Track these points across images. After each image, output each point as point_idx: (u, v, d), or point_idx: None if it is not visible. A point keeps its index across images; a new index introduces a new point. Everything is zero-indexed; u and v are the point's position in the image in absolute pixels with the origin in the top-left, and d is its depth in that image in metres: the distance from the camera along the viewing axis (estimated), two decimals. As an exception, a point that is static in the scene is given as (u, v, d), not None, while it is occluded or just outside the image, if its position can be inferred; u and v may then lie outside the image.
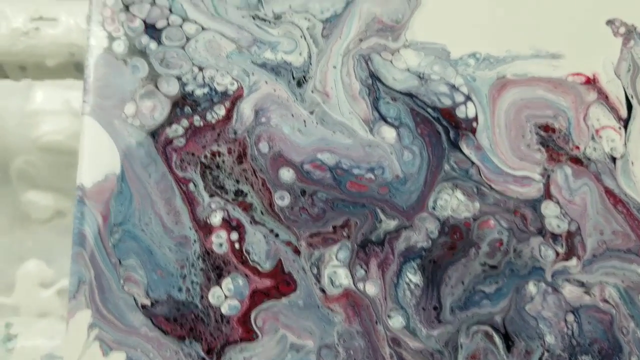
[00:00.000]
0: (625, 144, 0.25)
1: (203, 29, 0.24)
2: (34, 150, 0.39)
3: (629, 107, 0.25)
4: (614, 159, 0.25)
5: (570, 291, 0.23)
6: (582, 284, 0.23)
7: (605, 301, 0.23)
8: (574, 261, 0.23)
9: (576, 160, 0.24)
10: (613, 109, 0.25)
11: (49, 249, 0.40)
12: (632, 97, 0.25)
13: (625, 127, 0.25)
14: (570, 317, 0.23)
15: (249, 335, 0.22)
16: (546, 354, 0.23)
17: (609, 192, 0.24)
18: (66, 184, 0.40)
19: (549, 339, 0.23)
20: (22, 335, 0.30)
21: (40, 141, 0.38)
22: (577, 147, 0.25)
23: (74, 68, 0.31)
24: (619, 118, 0.25)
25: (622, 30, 0.26)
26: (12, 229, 0.40)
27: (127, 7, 0.24)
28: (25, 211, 0.40)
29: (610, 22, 0.26)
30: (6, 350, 0.29)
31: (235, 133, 0.24)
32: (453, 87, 0.25)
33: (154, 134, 0.23)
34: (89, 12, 0.24)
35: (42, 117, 0.38)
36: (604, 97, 0.25)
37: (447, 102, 0.25)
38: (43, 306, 0.35)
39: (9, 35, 0.29)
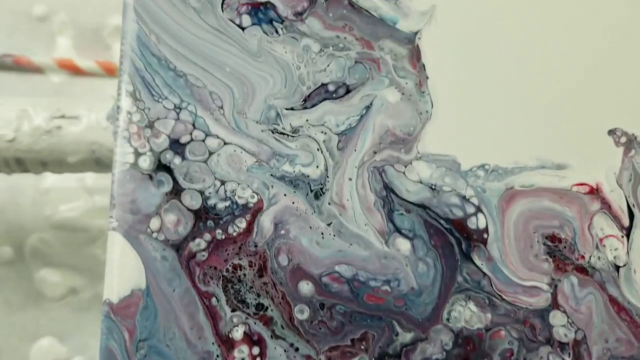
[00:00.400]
0: (628, 252, 0.26)
1: (225, 143, 0.25)
2: (47, 228, 0.40)
3: (631, 216, 0.27)
4: (617, 268, 0.26)
5: (578, 402, 0.24)
6: (590, 395, 0.24)
7: (612, 411, 0.24)
8: (581, 371, 0.25)
9: (581, 270, 0.26)
10: (616, 218, 0.26)
11: (62, 326, 0.40)
12: (633, 206, 0.27)
13: (628, 235, 0.26)
14: None
15: None
16: None
17: (613, 301, 0.25)
18: (79, 262, 0.41)
19: None
20: None
21: (54, 219, 0.39)
22: (582, 257, 0.26)
23: (95, 163, 0.32)
24: (621, 227, 0.26)
25: (624, 139, 0.27)
26: (26, 307, 0.41)
27: (152, 123, 0.25)
28: (39, 289, 0.41)
29: (611, 132, 0.27)
30: None
31: (255, 246, 0.24)
32: (464, 199, 0.26)
33: (178, 248, 0.24)
34: (114, 128, 0.25)
35: (55, 194, 0.39)
36: (607, 206, 0.26)
37: (458, 213, 0.26)
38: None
39: (31, 133, 0.30)
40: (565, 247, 0.26)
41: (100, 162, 0.31)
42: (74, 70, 0.44)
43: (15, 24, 0.46)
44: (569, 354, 0.25)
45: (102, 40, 0.46)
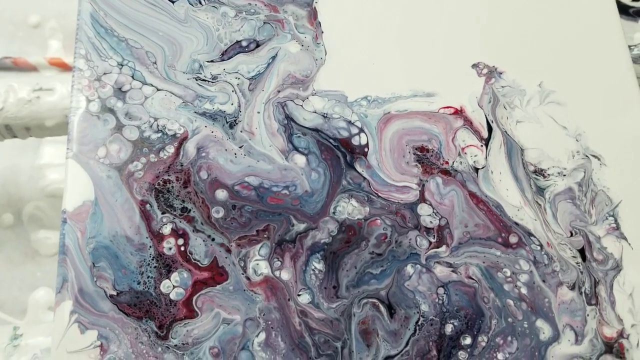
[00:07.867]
0: (487, 157, 0.32)
1: (157, 89, 0.32)
2: (42, 197, 0.47)
3: (490, 129, 0.32)
4: (476, 170, 0.32)
5: (440, 271, 0.30)
6: (450, 265, 0.30)
7: (470, 277, 0.30)
8: (443, 248, 0.30)
9: (446, 172, 0.32)
10: (476, 132, 0.32)
11: (55, 278, 0.47)
12: (492, 121, 0.33)
13: (487, 145, 0.32)
14: (441, 290, 0.30)
15: (191, 314, 0.29)
16: (421, 319, 0.29)
17: (472, 195, 0.31)
18: (69, 224, 0.47)
19: (424, 307, 0.29)
20: (26, 334, 0.37)
21: (48, 189, 0.46)
22: (447, 162, 0.32)
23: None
24: (481, 138, 0.32)
25: (485, 71, 0.33)
26: (24, 263, 0.48)
27: (100, 77, 0.32)
28: (35, 247, 0.48)
29: (475, 65, 0.34)
30: (13, 346, 0.36)
31: (181, 165, 0.31)
32: (349, 123, 0.32)
33: (120, 169, 0.31)
34: (72, 83, 0.32)
35: (48, 169, 0.46)
36: (469, 123, 0.32)
37: (345, 134, 0.32)
38: (50, 326, 0.42)
39: (16, 103, 0.37)
40: (432, 156, 0.32)
41: (73, 125, 0.38)
42: (63, 67, 0.52)
43: (14, 32, 0.54)
44: (434, 236, 0.30)
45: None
